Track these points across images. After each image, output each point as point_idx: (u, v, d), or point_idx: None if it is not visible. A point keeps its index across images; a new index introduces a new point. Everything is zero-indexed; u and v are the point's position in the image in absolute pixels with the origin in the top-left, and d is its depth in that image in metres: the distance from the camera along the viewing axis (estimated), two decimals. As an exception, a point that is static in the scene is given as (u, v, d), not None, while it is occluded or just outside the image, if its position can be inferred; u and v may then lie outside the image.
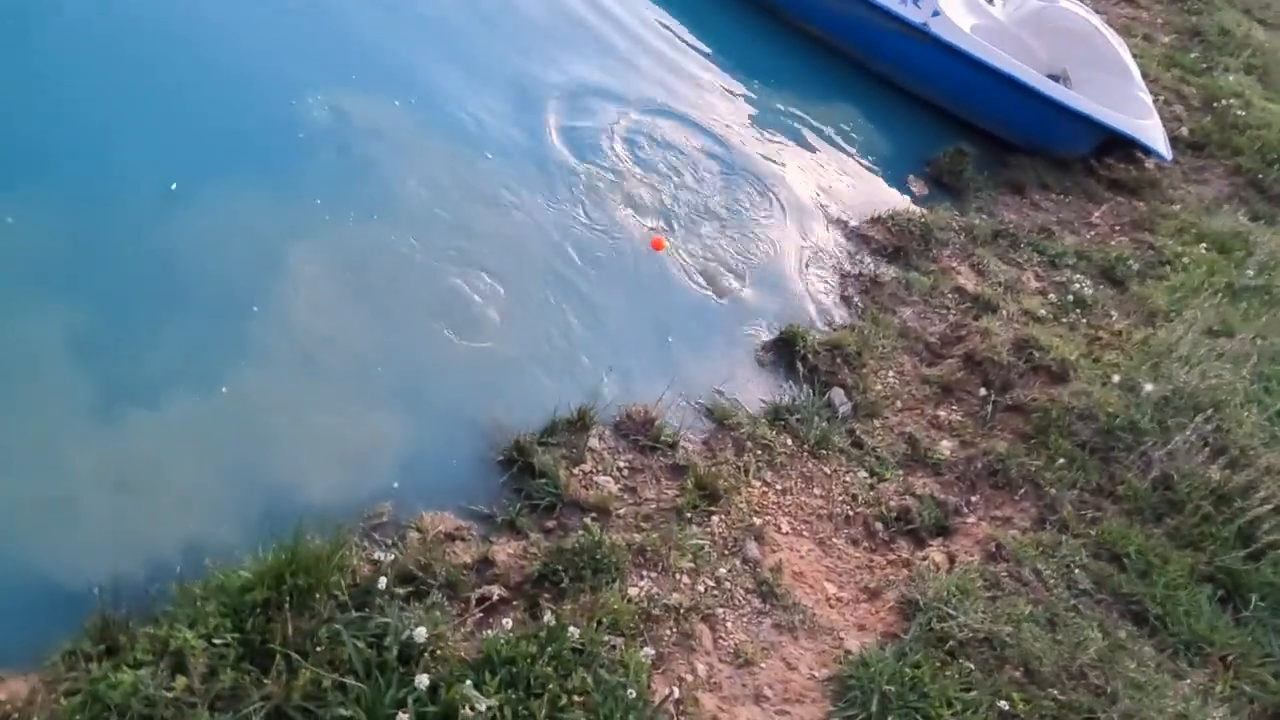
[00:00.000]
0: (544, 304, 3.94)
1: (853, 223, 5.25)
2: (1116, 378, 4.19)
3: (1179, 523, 3.64)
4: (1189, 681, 3.00)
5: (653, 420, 3.56)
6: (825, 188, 5.41)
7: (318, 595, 2.48)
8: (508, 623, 2.51)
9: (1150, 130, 6.17)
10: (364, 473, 3.09)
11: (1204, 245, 5.74)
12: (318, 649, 2.36)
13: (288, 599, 2.42)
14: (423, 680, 2.24)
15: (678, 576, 2.99)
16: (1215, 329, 4.73)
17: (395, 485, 3.06)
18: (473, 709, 2.19)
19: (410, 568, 2.69)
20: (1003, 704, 2.77)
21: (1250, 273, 5.40)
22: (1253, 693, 3.08)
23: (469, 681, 2.27)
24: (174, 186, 3.62)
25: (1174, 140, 6.73)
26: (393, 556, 2.74)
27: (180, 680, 2.25)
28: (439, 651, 2.40)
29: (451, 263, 3.88)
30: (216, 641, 2.34)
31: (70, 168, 3.57)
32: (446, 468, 3.21)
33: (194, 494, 2.83)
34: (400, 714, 2.17)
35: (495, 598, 2.66)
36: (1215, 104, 7.45)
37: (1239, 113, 7.32)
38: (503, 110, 4.77)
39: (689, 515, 3.25)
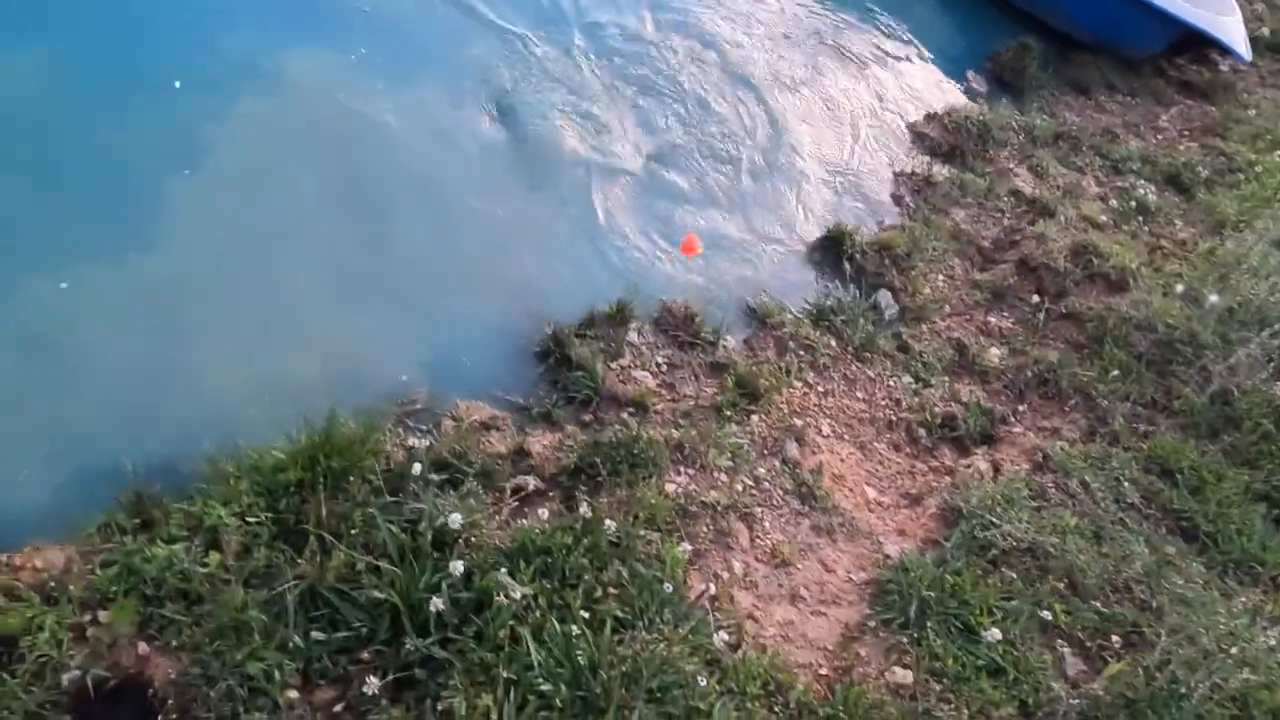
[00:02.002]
0: (581, 195, 3.79)
1: (908, 119, 4.99)
2: (1179, 288, 4.00)
3: (1236, 440, 3.50)
4: (1240, 601, 2.91)
5: (693, 316, 3.45)
6: (880, 81, 5.13)
7: (351, 479, 2.44)
8: (544, 513, 2.46)
9: (1230, 28, 5.76)
10: (398, 361, 3.02)
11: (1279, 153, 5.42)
12: (352, 531, 2.33)
13: (321, 481, 2.38)
14: (457, 566, 2.20)
15: (716, 474, 2.92)
16: (1284, 240, 4.48)
17: (428, 374, 2.99)
18: (507, 596, 2.15)
19: (445, 455, 2.64)
20: (1045, 614, 2.71)
21: (1329, 184, 5.10)
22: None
23: (503, 569, 2.23)
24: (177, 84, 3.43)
25: (1253, 41, 6.29)
26: (427, 443, 2.70)
27: (214, 556, 2.23)
28: (473, 539, 2.36)
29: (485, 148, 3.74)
30: (250, 520, 2.31)
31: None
32: (483, 358, 3.14)
33: (228, 375, 2.78)
34: (434, 599, 2.14)
35: (530, 488, 2.61)
36: (1302, 2, 6.96)
37: (1326, 12, 6.83)
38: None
39: (728, 413, 3.16)
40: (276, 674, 2.09)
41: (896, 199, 4.54)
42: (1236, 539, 3.16)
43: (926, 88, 5.28)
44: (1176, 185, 5.10)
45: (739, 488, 2.91)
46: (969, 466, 3.30)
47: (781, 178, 4.32)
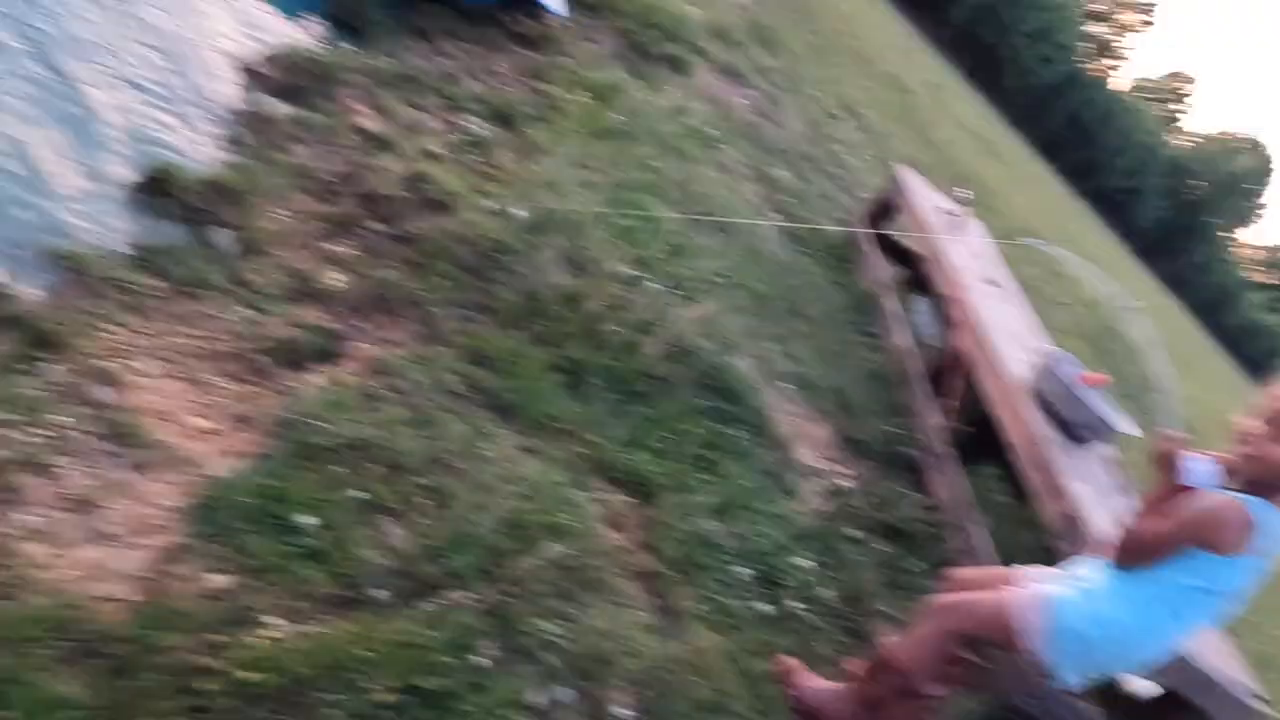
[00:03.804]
0: None
1: (245, 59, 4.95)
2: (494, 205, 4.61)
3: (541, 327, 4.20)
4: (533, 451, 3.53)
5: (-34, 268, 3.07)
6: (211, 16, 4.99)
7: None
8: None
9: (543, -12, 6.71)
10: None
11: (587, 94, 6.48)
12: None
13: None
14: None
15: (-2, 431, 2.67)
16: (583, 163, 5.42)
17: None
18: None
19: None
20: (364, 495, 3.00)
21: (619, 118, 6.25)
22: (586, 452, 3.73)
23: None
24: None
25: (572, 2, 7.39)
26: None
27: None
28: None
29: None
30: None
31: None
32: None
33: None
34: None
35: None
36: (605, -30, 8.28)
37: (623, -20, 8.24)
38: None
39: (19, 366, 2.90)
40: None
41: (233, 139, 4.50)
42: (538, 405, 3.81)
43: (264, 28, 5.27)
44: (505, 121, 5.82)
45: (28, 440, 2.71)
46: (303, 383, 3.47)
47: (86, 115, 4.00)
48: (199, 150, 4.26)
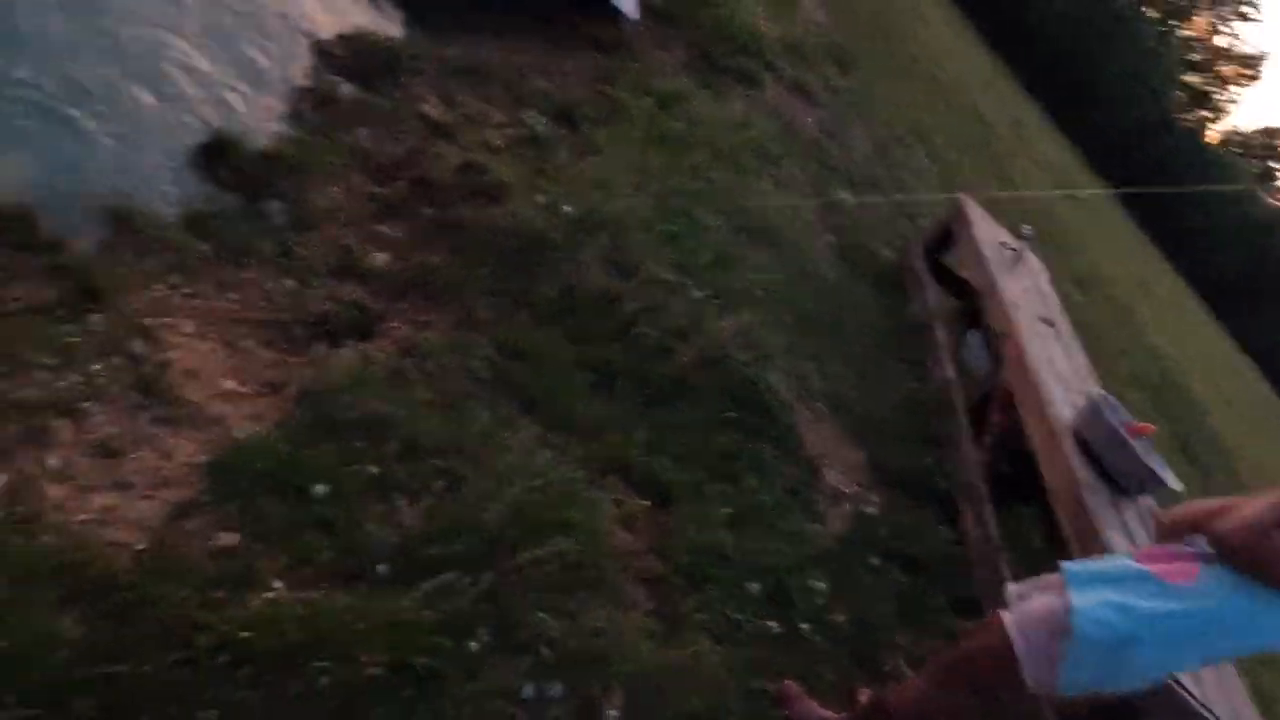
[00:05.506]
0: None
1: (316, 36, 5.06)
2: (543, 199, 4.64)
3: (576, 324, 4.20)
4: (554, 446, 3.53)
5: (27, 215, 3.19)
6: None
7: None
8: None
9: (620, -6, 6.76)
10: None
11: (651, 100, 6.48)
12: None
13: None
14: None
15: (34, 373, 2.76)
16: (638, 167, 5.42)
17: None
18: None
19: None
20: (377, 470, 3.03)
21: (680, 125, 6.25)
22: (606, 451, 3.71)
23: None
24: None
25: (647, 9, 7.42)
26: None
27: None
28: None
29: None
30: None
31: None
32: None
33: None
34: None
35: None
36: (681, -22, 8.31)
37: (699, -11, 8.26)
38: None
39: (61, 313, 3.00)
40: None
41: (296, 115, 4.60)
42: (564, 401, 3.81)
43: (337, 8, 5.39)
44: (567, 120, 5.85)
45: (62, 385, 2.79)
46: (335, 356, 3.53)
47: (165, 79, 4.13)
48: (262, 121, 4.37)
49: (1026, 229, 6.18)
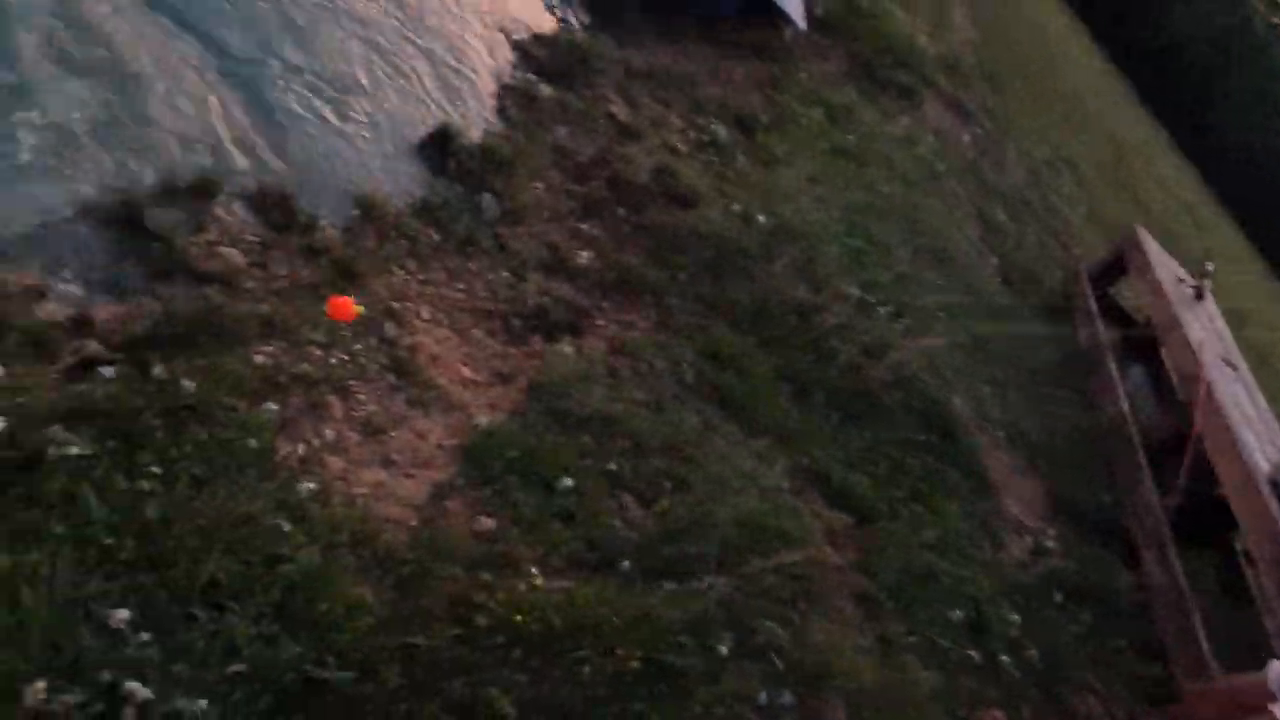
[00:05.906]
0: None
1: (516, 36, 5.20)
2: (736, 208, 4.67)
3: (771, 334, 4.23)
4: (759, 452, 3.56)
5: (288, 197, 3.35)
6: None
7: None
8: (109, 373, 2.30)
9: (790, 3, 6.75)
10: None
11: (821, 111, 6.47)
12: None
13: None
14: (-2, 425, 2.00)
15: (308, 349, 2.91)
16: (816, 178, 5.42)
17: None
18: (61, 452, 2.00)
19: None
20: (611, 466, 3.10)
21: (851, 138, 6.22)
22: (806, 464, 3.73)
23: (58, 426, 2.07)
24: None
25: (809, 17, 7.41)
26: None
27: None
28: (20, 399, 2.14)
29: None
30: None
31: None
32: (31, 221, 2.78)
33: None
34: (-32, 462, 1.94)
35: (92, 352, 2.41)
36: (845, -11, 8.27)
37: (862, 2, 8.20)
38: None
39: (325, 293, 3.14)
40: None
41: (502, 110, 4.73)
42: (765, 409, 3.84)
43: (531, 12, 5.52)
44: (742, 127, 5.88)
45: (333, 362, 2.94)
46: (555, 352, 3.62)
47: (397, 75, 4.29)
48: (476, 117, 4.50)
49: (1209, 265, 5.97)
